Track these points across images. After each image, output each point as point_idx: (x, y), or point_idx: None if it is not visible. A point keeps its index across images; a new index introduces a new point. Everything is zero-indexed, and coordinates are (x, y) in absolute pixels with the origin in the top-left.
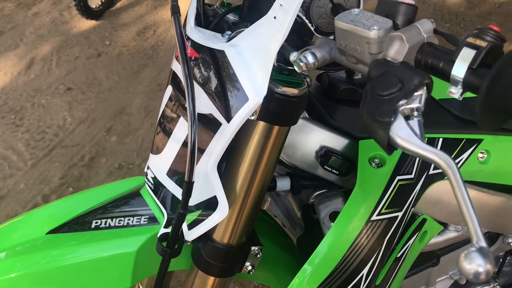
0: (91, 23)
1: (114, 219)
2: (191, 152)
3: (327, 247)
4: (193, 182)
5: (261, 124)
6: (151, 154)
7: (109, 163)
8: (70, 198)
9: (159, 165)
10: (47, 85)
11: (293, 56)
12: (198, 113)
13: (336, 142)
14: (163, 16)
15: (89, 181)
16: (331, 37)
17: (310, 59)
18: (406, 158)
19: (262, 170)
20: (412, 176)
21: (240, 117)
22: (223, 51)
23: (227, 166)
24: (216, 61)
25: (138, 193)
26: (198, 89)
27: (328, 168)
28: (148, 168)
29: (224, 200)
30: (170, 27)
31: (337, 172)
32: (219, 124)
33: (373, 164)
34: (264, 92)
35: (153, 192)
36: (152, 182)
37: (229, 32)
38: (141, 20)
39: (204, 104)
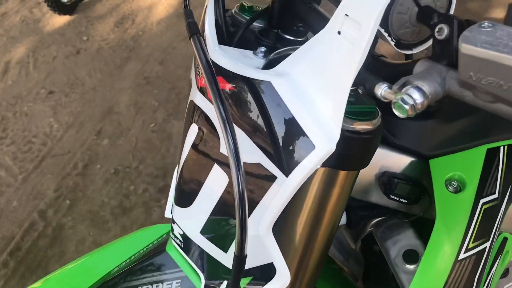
0: (64, 18)
1: (141, 287)
2: (241, 220)
3: None
4: (246, 255)
5: (323, 171)
6: (175, 206)
7: (104, 169)
8: (87, 258)
9: (189, 221)
10: (27, 91)
11: (383, 91)
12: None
13: (400, 163)
14: (139, 4)
15: (86, 191)
16: (441, 62)
17: (418, 97)
18: (488, 174)
19: (326, 225)
20: (496, 195)
21: (304, 169)
22: (269, 83)
23: (280, 224)
24: (259, 94)
25: (163, 250)
26: (237, 131)
27: (395, 198)
28: (173, 222)
29: (284, 268)
30: (149, 15)
31: (406, 201)
32: (272, 178)
33: (451, 188)
34: (337, 136)
35: (183, 250)
36: (181, 240)
37: (263, 49)
38: (117, 11)
39: (248, 151)
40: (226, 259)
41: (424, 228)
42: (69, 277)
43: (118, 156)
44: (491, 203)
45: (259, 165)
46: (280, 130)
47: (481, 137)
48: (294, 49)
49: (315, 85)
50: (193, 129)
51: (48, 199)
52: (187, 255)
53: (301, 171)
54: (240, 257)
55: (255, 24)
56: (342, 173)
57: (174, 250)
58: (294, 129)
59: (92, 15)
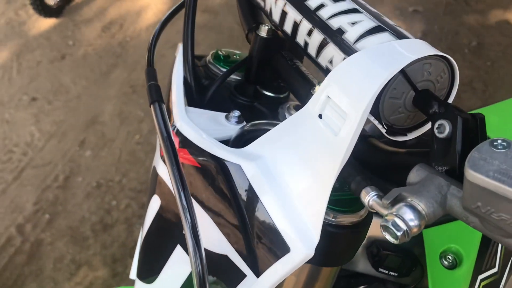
0: (50, 21)
1: None
2: None
3: None
4: None
5: (304, 267)
6: (136, 279)
7: (86, 182)
8: None
9: None
10: (9, 97)
11: (371, 199)
12: (206, 251)
13: None
14: (128, 8)
15: (66, 205)
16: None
17: (413, 220)
18: (487, 247)
19: None
20: (496, 269)
21: (277, 273)
22: (238, 166)
23: None
24: (228, 177)
25: None
26: (202, 215)
27: (384, 271)
28: None
29: None
30: (137, 20)
31: (396, 274)
32: (241, 275)
33: (446, 262)
34: (316, 239)
35: None
36: None
37: (236, 114)
38: (104, 15)
39: (215, 240)
40: None
41: None
42: None
43: (100, 168)
44: (490, 279)
45: (226, 258)
46: (250, 221)
47: None
48: (272, 124)
49: (291, 175)
50: (155, 201)
51: (27, 212)
52: None
53: (274, 274)
54: None
55: (231, 76)
56: (324, 269)
57: None
58: (267, 224)
59: (79, 19)
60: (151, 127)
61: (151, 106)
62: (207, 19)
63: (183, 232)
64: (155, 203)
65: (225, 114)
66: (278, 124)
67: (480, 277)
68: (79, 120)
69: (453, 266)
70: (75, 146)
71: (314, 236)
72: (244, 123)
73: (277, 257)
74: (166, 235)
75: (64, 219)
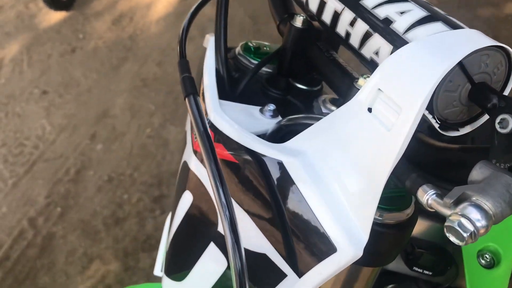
0: (60, 15)
1: None
2: None
3: None
4: None
5: (346, 268)
6: (165, 276)
7: (97, 176)
8: None
9: None
10: (20, 90)
11: (430, 199)
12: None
13: (423, 227)
14: (138, 1)
15: (78, 199)
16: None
17: (480, 220)
18: None
19: None
20: None
21: (320, 275)
22: (279, 162)
23: None
24: (267, 173)
25: None
26: (239, 212)
27: (418, 270)
28: None
29: None
30: (147, 13)
31: (430, 273)
32: (281, 275)
33: (483, 261)
34: (365, 240)
35: None
36: None
37: (271, 107)
38: (114, 7)
39: (253, 238)
40: None
41: None
42: None
43: (112, 162)
44: None
45: (265, 256)
46: (291, 220)
47: None
48: (312, 118)
49: (338, 172)
50: (187, 197)
51: (39, 206)
52: None
53: (318, 274)
54: None
55: (262, 68)
56: (365, 269)
57: None
58: (310, 223)
59: (89, 12)
60: (162, 121)
61: (186, 99)
62: None
63: (218, 229)
64: (186, 199)
65: (259, 107)
66: (318, 118)
67: None
68: (90, 113)
69: (491, 265)
70: (86, 140)
71: (363, 236)
72: (279, 117)
73: (322, 257)
74: (198, 232)
75: (76, 213)
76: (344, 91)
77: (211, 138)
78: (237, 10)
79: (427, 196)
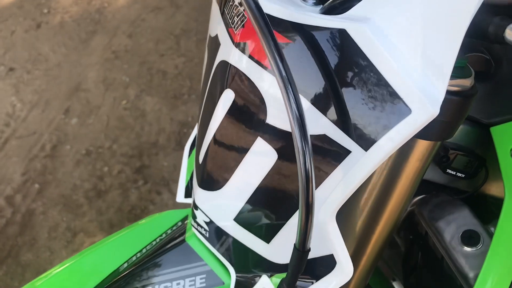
0: None
1: (159, 285)
2: (307, 207)
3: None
4: (309, 250)
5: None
6: (198, 189)
7: (74, 150)
8: (90, 253)
9: (219, 206)
10: None
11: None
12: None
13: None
14: None
15: (56, 174)
16: None
17: None
18: None
19: (396, 207)
20: None
21: (392, 141)
22: (343, 31)
23: (345, 208)
24: (327, 47)
25: (183, 241)
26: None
27: (452, 172)
28: (196, 207)
29: (347, 260)
30: None
31: (464, 175)
32: (343, 153)
33: None
34: (441, 96)
35: (208, 240)
36: (207, 228)
37: None
38: None
39: (311, 120)
40: (269, 251)
41: (477, 206)
42: (69, 277)
43: (89, 136)
44: None
45: (324, 137)
46: (357, 92)
47: None
48: None
49: (410, 31)
50: (228, 96)
51: (16, 183)
52: (214, 245)
53: (389, 142)
54: (302, 252)
55: None
56: (423, 144)
57: (195, 240)
58: (379, 90)
59: None
60: (138, 92)
61: None
62: None
63: (267, 121)
64: (227, 100)
65: None
66: None
67: None
68: (61, 88)
69: None
70: (60, 115)
71: (440, 93)
72: (321, 5)
73: (394, 123)
74: (242, 131)
75: (55, 188)
76: None
77: (263, 12)
78: None
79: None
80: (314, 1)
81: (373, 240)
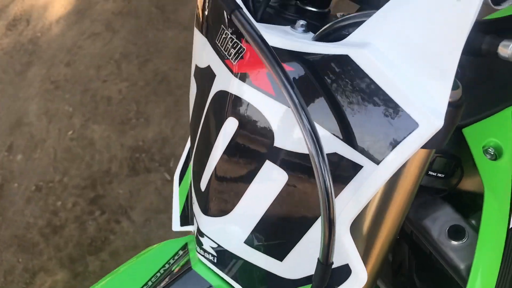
0: None
1: None
2: (329, 221)
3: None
4: (332, 263)
5: None
6: (203, 216)
7: (23, 187)
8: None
9: (227, 231)
10: None
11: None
12: (303, 154)
13: None
14: (31, 2)
15: (6, 213)
16: None
17: None
18: None
19: (401, 212)
20: None
21: (402, 154)
22: (345, 57)
23: (357, 219)
24: (331, 73)
25: (189, 269)
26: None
27: (433, 173)
28: (201, 235)
29: (361, 268)
30: (45, 14)
31: (443, 175)
32: (355, 168)
33: (488, 155)
34: (443, 110)
35: (216, 266)
36: (214, 254)
37: (302, 22)
38: (6, 12)
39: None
40: (282, 268)
41: (455, 202)
42: None
43: (37, 171)
44: None
45: (335, 155)
46: (364, 111)
47: (506, 99)
48: (366, 15)
49: (409, 53)
50: (231, 124)
51: None
52: (222, 270)
53: (399, 155)
54: (326, 265)
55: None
56: (422, 152)
57: (202, 266)
58: (385, 107)
59: None
60: (83, 121)
61: (232, 15)
62: (121, 5)
63: (275, 145)
64: (229, 128)
65: (288, 26)
66: (373, 12)
67: None
68: (1, 125)
69: (495, 157)
70: (2, 152)
71: (442, 106)
72: (310, 32)
73: (403, 136)
74: (249, 157)
75: (6, 229)
76: None
77: (269, 45)
78: (141, 1)
79: (510, 48)
80: (304, 29)
81: (381, 246)
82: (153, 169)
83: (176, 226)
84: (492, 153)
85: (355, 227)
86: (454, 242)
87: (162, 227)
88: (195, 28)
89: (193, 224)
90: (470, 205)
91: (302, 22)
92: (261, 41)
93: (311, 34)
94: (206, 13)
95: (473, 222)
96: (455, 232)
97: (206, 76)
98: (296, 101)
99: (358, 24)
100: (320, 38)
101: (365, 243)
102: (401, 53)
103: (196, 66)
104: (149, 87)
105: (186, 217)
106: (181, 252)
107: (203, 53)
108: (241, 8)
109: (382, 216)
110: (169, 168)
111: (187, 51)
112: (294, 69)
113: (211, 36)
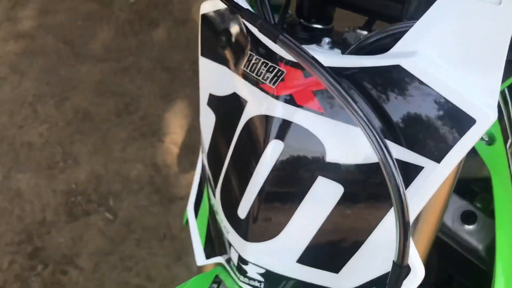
0: None
1: None
2: (404, 225)
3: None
4: (408, 264)
5: None
6: (246, 243)
7: None
8: None
9: (277, 253)
10: None
11: None
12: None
13: None
14: None
15: None
16: None
17: None
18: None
19: (442, 208)
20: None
21: (463, 149)
22: (397, 67)
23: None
24: (384, 83)
25: None
26: (352, 129)
27: None
28: (244, 263)
29: (419, 264)
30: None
31: None
32: (415, 169)
33: (484, 141)
34: (495, 103)
35: None
36: (261, 280)
37: (327, 40)
38: None
39: (370, 149)
40: (338, 280)
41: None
42: None
43: None
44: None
45: (397, 161)
46: (421, 115)
47: None
48: (389, 31)
49: (455, 56)
50: (276, 147)
51: None
52: None
53: (460, 151)
54: (401, 267)
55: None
56: None
57: None
58: (441, 109)
59: None
60: (5, 172)
61: (277, 41)
62: (23, 45)
63: (327, 160)
64: (275, 151)
65: (313, 44)
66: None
67: (507, 146)
68: None
69: (490, 143)
70: None
71: (493, 99)
72: (336, 48)
73: (460, 134)
74: (299, 176)
75: None
76: None
77: (323, 64)
78: (46, 39)
79: None
80: (330, 46)
81: (429, 242)
82: (92, 210)
83: (201, 260)
84: (487, 140)
85: (414, 225)
86: (468, 227)
87: (114, 270)
88: (203, 58)
89: (222, 254)
90: (473, 190)
91: (327, 39)
92: (316, 62)
93: (337, 50)
94: (220, 42)
95: (478, 205)
96: (468, 217)
97: (230, 103)
98: (361, 114)
99: (390, 36)
100: (354, 53)
101: (420, 239)
102: (448, 57)
103: (212, 95)
104: (71, 126)
105: (211, 249)
106: (215, 286)
107: (222, 81)
108: (284, 33)
109: (431, 212)
110: (109, 207)
111: (105, 83)
112: (346, 85)
113: (233, 63)
